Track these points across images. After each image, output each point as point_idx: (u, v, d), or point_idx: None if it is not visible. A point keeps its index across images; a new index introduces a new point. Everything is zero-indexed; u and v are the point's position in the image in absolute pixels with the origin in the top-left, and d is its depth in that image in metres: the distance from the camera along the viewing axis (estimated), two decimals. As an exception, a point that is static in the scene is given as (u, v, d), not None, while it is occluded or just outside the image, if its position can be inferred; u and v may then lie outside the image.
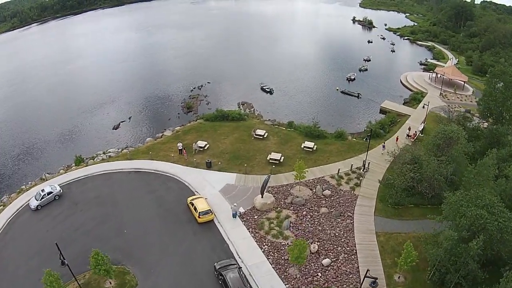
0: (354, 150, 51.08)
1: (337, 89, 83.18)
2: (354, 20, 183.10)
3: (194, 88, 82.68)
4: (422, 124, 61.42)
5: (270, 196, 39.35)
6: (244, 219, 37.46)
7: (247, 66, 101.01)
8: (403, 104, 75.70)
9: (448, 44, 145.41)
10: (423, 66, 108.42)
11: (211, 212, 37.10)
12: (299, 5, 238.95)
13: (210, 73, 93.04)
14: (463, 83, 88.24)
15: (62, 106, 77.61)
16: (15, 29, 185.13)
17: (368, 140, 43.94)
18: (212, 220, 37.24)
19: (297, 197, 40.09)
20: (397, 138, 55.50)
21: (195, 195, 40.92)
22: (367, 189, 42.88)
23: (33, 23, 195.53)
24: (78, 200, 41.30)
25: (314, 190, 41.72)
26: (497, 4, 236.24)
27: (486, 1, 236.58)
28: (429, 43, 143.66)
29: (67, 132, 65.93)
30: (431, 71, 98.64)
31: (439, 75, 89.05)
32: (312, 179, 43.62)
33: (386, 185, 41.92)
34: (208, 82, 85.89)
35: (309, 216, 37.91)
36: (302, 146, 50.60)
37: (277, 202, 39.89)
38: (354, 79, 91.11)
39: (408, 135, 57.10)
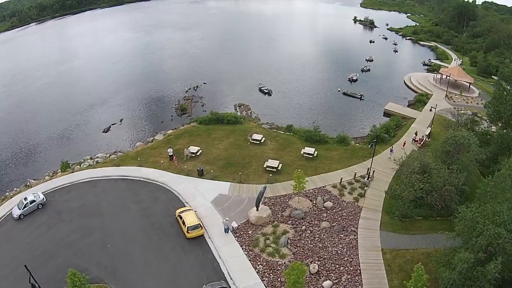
0: (357, 157, 47.70)
1: (339, 90, 79.90)
2: (355, 20, 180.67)
3: (189, 89, 79.41)
4: (429, 128, 58.12)
5: (266, 209, 35.94)
6: (237, 234, 34.05)
7: (245, 66, 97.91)
8: (408, 106, 72.45)
9: (451, 44, 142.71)
10: (426, 67, 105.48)
11: (200, 226, 33.77)
12: (299, 5, 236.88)
13: (206, 73, 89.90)
14: (468, 84, 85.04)
15: (52, 107, 74.72)
16: (14, 28, 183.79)
17: (373, 147, 40.61)
18: (202, 235, 33.93)
19: (296, 209, 36.71)
20: (403, 143, 52.19)
21: (184, 206, 37.54)
22: (372, 200, 39.51)
23: (32, 23, 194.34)
24: (61, 209, 38.44)
25: (314, 202, 38.31)
26: (498, 4, 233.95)
27: (487, 1, 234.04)
28: (432, 44, 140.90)
29: (56, 136, 62.95)
30: (435, 72, 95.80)
31: (444, 76, 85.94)
32: (312, 189, 40.19)
33: (393, 196, 38.63)
34: (204, 83, 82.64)
35: (308, 231, 34.50)
36: (302, 152, 47.20)
37: (274, 215, 36.49)
38: (357, 80, 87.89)
39: (414, 140, 53.79)
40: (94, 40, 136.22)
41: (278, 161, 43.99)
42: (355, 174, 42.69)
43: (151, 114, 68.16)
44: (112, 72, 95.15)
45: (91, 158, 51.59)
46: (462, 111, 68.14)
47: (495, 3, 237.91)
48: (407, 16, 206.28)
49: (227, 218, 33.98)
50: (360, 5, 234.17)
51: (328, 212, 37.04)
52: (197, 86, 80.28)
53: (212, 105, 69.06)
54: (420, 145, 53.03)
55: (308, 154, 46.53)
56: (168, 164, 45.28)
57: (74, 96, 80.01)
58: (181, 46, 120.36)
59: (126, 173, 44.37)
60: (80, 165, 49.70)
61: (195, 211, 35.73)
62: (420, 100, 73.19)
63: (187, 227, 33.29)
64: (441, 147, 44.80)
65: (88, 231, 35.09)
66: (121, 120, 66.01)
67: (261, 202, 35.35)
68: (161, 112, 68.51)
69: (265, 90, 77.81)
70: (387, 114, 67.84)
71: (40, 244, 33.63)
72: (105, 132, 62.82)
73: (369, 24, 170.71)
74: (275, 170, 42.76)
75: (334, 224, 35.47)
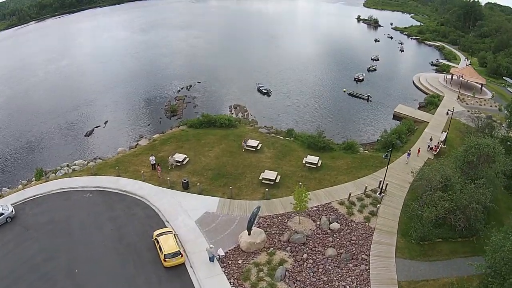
0: (367, 166, 41.85)
1: (344, 91, 74.00)
2: (359, 19, 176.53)
3: (182, 89, 73.56)
4: (444, 133, 52.44)
5: (260, 233, 29.89)
6: (225, 264, 28.13)
7: (243, 65, 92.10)
8: (419, 108, 66.77)
9: (458, 44, 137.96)
10: (434, 67, 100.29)
11: (180, 254, 27.91)
12: (301, 4, 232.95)
13: (201, 72, 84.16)
14: (480, 86, 79.41)
15: (36, 109, 68.88)
16: (13, 27, 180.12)
17: (387, 156, 34.76)
18: (183, 263, 28.27)
19: (296, 232, 30.74)
20: (418, 150, 46.46)
21: (165, 226, 31.83)
22: (385, 219, 33.66)
23: (31, 21, 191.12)
24: (30, 224, 33.36)
25: (318, 223, 32.37)
26: (501, 5, 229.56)
27: (491, 2, 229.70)
28: (438, 43, 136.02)
29: (36, 140, 57.21)
30: (444, 72, 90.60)
31: (455, 77, 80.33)
32: (316, 207, 34.18)
33: (412, 216, 32.87)
34: (198, 82, 76.83)
35: (311, 261, 28.58)
36: (304, 162, 41.18)
37: (270, 240, 30.55)
38: (363, 79, 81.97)
39: (430, 147, 48.05)
40: (86, 39, 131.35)
41: (276, 173, 38.02)
42: (365, 188, 36.72)
43: (138, 116, 62.20)
44: (101, 71, 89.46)
45: (67, 166, 46.03)
46: (477, 114, 62.63)
47: (498, 4, 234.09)
48: (411, 16, 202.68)
49: (211, 246, 27.93)
50: (363, 5, 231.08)
51: (335, 235, 31.10)
52: (190, 86, 74.46)
53: (206, 106, 63.29)
54: (435, 153, 47.43)
55: (311, 163, 40.49)
56: (150, 174, 39.46)
57: (59, 96, 74.32)
58: (176, 44, 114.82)
59: (103, 184, 38.73)
60: (55, 173, 44.26)
61: (175, 234, 29.87)
62: (431, 102, 67.45)
63: (164, 254, 27.53)
64: (462, 156, 39.29)
65: (55, 252, 30.04)
66: (105, 123, 60.21)
67: (254, 225, 29.56)
68: (149, 114, 62.59)
69: (263, 91, 72.00)
70: (397, 117, 61.98)
71: (5, 264, 28.87)
72: (87, 136, 57.08)
73: (373, 23, 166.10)
74: (272, 183, 36.74)
75: (341, 251, 29.59)
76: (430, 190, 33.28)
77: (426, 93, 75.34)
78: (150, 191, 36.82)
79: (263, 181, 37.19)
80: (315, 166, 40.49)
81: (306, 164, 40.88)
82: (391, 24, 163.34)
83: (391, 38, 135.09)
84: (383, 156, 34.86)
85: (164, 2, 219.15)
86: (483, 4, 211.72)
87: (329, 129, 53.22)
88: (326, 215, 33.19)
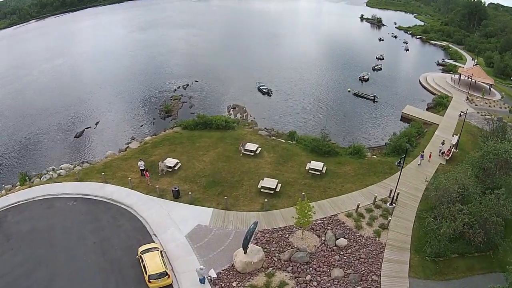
0: (375, 172, 38.43)
1: (349, 91, 70.66)
2: (362, 18, 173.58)
3: (178, 88, 70.26)
4: (456, 136, 49.14)
5: (257, 251, 26.47)
6: (217, 286, 24.80)
7: (244, 64, 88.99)
8: (427, 109, 63.46)
9: (464, 44, 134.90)
10: (441, 67, 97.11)
11: (167, 274, 24.67)
12: (304, 4, 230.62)
13: (200, 71, 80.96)
14: (489, 86, 76.12)
15: (26, 109, 65.80)
16: (13, 26, 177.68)
17: (401, 164, 31.39)
18: (171, 284, 25.06)
19: (299, 250, 27.36)
20: (429, 155, 43.23)
21: (152, 241, 28.58)
22: (397, 233, 30.30)
23: (31, 20, 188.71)
24: (11, 233, 30.78)
25: (323, 238, 29.00)
26: (505, 6, 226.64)
27: (494, 3, 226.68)
28: (443, 43, 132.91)
29: (24, 141, 54.11)
30: (451, 72, 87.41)
31: (463, 77, 77.06)
32: (321, 220, 30.77)
33: (428, 231, 29.57)
34: (196, 81, 73.57)
35: (315, 283, 25.10)
36: (307, 168, 37.73)
37: (269, 259, 27.14)
38: (368, 79, 78.56)
39: (441, 152, 44.75)
40: (85, 37, 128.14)
41: (276, 180, 34.49)
42: (375, 198, 33.22)
43: (131, 117, 58.87)
44: (96, 70, 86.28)
45: (53, 170, 42.95)
46: (488, 116, 59.38)
47: (501, 4, 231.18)
48: (414, 16, 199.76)
49: (202, 267, 24.62)
50: (366, 5, 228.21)
51: (342, 253, 27.69)
52: (187, 85, 71.17)
53: (202, 107, 60.05)
54: (448, 158, 44.14)
55: (315, 170, 37.06)
56: (139, 181, 36.10)
57: (50, 96, 71.26)
58: (175, 43, 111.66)
59: (88, 190, 35.53)
60: (40, 178, 41.22)
61: (162, 251, 26.56)
62: (440, 103, 64.10)
63: (149, 275, 24.30)
64: (478, 163, 36.09)
65: (35, 265, 27.36)
66: (96, 123, 56.97)
67: (250, 242, 26.28)
68: (143, 114, 59.30)
69: (264, 90, 68.69)
70: (405, 118, 58.60)
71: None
72: (77, 137, 53.89)
73: (376, 23, 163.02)
74: (272, 192, 33.32)
75: (349, 272, 26.17)
76: (448, 202, 30.06)
77: (434, 94, 72.03)
78: (138, 200, 33.48)
79: (262, 189, 33.71)
80: (319, 173, 37.01)
81: (310, 171, 37.42)
82: (395, 23, 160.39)
83: (396, 37, 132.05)
84: (396, 163, 31.52)
85: (165, 1, 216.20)
86: (486, 4, 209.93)
87: (333, 131, 49.97)
88: (332, 229, 29.82)
